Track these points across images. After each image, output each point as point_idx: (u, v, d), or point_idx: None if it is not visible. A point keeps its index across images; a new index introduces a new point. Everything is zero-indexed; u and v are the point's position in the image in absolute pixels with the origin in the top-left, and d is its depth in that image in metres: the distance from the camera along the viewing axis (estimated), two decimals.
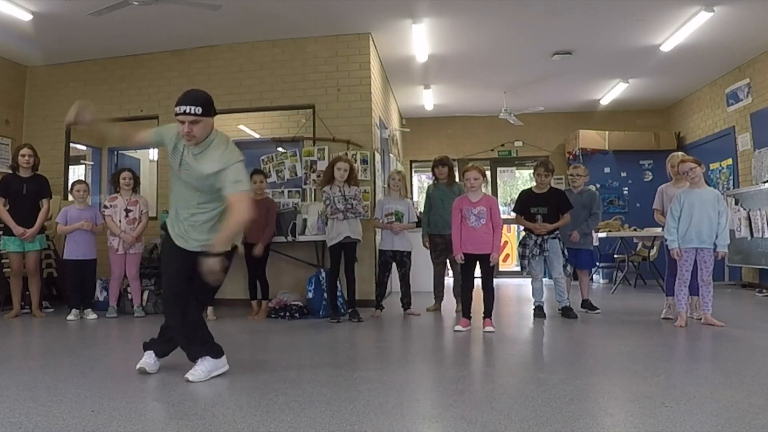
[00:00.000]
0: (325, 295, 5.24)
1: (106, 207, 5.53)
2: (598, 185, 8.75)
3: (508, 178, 10.69)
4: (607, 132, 9.31)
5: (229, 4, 5.29)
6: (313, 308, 5.35)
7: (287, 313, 5.31)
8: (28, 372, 3.14)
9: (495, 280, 4.65)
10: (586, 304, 5.35)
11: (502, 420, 2.21)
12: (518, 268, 5.83)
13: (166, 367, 3.06)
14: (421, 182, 10.84)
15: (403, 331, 4.74)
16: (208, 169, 2.81)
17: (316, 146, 6.32)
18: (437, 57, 7.13)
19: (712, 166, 8.25)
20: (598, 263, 7.90)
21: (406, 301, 5.48)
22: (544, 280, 5.26)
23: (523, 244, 5.15)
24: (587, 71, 7.83)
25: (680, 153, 5.23)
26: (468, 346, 3.98)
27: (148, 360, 3.03)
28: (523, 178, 11.07)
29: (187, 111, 2.73)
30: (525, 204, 5.15)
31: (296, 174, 6.40)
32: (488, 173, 8.55)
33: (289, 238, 5.65)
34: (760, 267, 6.96)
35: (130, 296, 5.62)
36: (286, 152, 6.50)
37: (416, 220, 5.77)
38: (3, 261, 5.62)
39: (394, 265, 5.53)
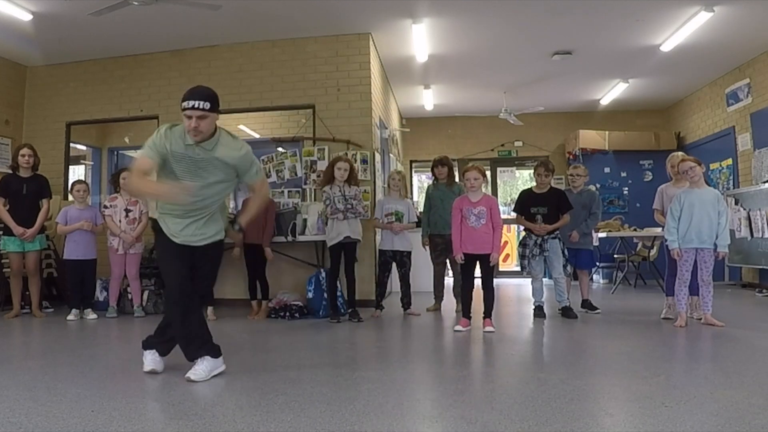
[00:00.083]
0: (325, 295, 5.24)
1: (106, 207, 5.53)
2: (598, 185, 8.75)
3: (508, 178, 10.69)
4: (607, 132, 9.31)
5: (229, 4, 5.29)
6: (313, 308, 5.35)
7: (287, 313, 5.31)
8: (28, 372, 3.14)
9: (495, 280, 4.66)
10: (586, 304, 5.35)
11: (502, 420, 2.21)
12: (518, 268, 5.83)
13: (165, 367, 3.06)
14: (421, 182, 10.84)
15: (403, 331, 4.74)
16: (231, 157, 2.94)
17: (316, 146, 6.32)
18: (437, 57, 7.13)
19: (712, 166, 8.25)
20: (598, 263, 7.90)
21: (406, 301, 5.48)
22: (544, 280, 5.26)
23: (523, 244, 5.15)
24: (587, 71, 7.83)
25: (680, 153, 5.23)
26: (468, 346, 3.98)
27: (155, 358, 3.04)
28: (523, 178, 11.07)
29: (195, 106, 2.77)
30: (525, 204, 5.14)
31: (296, 174, 6.40)
32: (488, 173, 8.55)
33: (289, 238, 5.65)
34: (760, 267, 6.96)
35: (130, 296, 5.62)
36: (286, 152, 6.50)
37: (416, 220, 5.77)
38: (3, 261, 5.62)
39: (394, 265, 5.53)
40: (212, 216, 3.06)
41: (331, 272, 5.15)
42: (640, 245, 7.99)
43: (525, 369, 3.26)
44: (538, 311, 5.07)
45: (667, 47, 6.64)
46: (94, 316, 5.38)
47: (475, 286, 4.66)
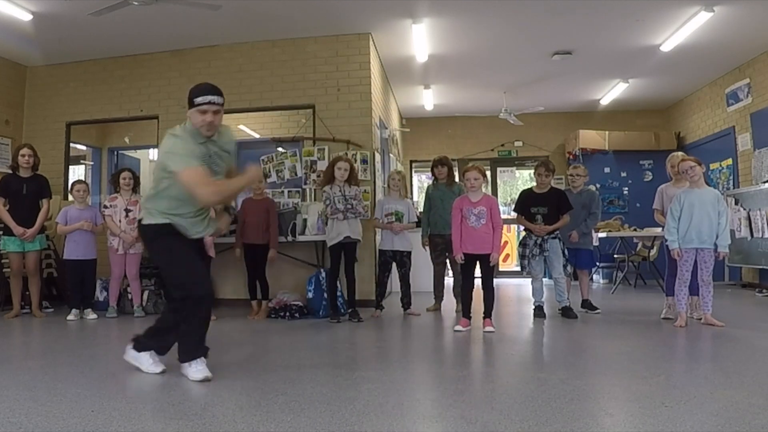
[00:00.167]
0: (325, 295, 5.24)
1: (106, 207, 5.54)
2: (598, 185, 8.75)
3: (508, 178, 10.70)
4: (607, 132, 9.31)
5: (229, 4, 5.29)
6: (313, 308, 5.35)
7: (287, 313, 5.31)
8: (28, 372, 3.14)
9: (495, 280, 4.65)
10: (586, 304, 5.35)
11: (502, 420, 2.21)
12: (518, 268, 5.83)
13: (165, 367, 3.05)
14: (421, 182, 10.84)
15: (403, 331, 4.74)
16: (231, 143, 3.13)
17: (316, 146, 6.32)
18: (437, 57, 7.13)
19: (712, 166, 8.25)
20: (598, 263, 7.90)
21: (406, 301, 5.48)
22: (544, 280, 5.26)
23: (523, 244, 5.15)
24: (587, 71, 7.83)
25: (680, 153, 5.23)
26: (468, 346, 3.98)
27: (155, 359, 3.04)
28: (523, 178, 11.07)
29: (213, 101, 2.87)
30: (525, 204, 5.14)
31: (296, 174, 6.40)
32: (488, 173, 8.55)
33: (289, 238, 5.65)
34: (760, 267, 6.96)
35: (130, 296, 5.62)
36: (286, 152, 6.50)
37: (416, 220, 5.77)
38: (3, 261, 5.62)
39: (394, 265, 5.53)
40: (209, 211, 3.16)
41: (331, 272, 5.15)
42: (640, 245, 7.99)
43: (525, 369, 3.26)
44: (538, 311, 5.07)
45: (667, 47, 6.64)
46: (94, 316, 5.38)
47: (475, 286, 4.66)
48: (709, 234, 4.39)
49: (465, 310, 4.57)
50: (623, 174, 9.38)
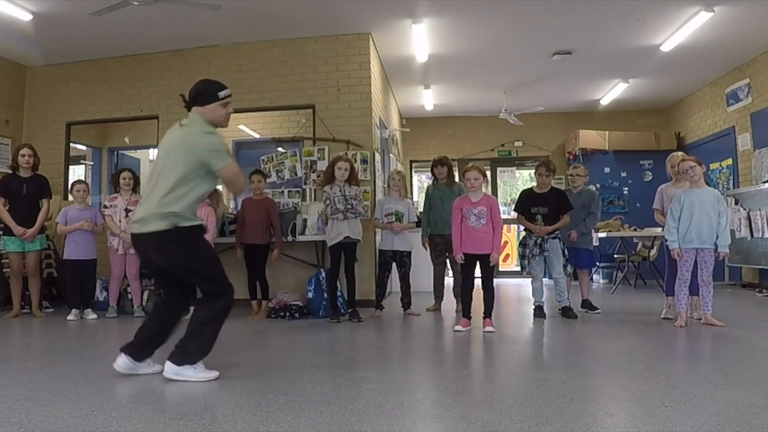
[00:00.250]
0: (325, 295, 5.24)
1: (106, 207, 5.54)
2: (598, 185, 8.75)
3: (508, 178, 10.70)
4: (607, 132, 9.31)
5: (229, 4, 5.29)
6: (313, 308, 5.35)
7: (287, 313, 5.31)
8: (28, 372, 3.14)
9: (495, 280, 4.65)
10: (586, 304, 5.35)
11: (502, 420, 2.21)
12: (518, 268, 5.83)
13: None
14: (421, 182, 10.84)
15: (403, 331, 4.74)
16: None
17: (316, 146, 6.32)
18: (437, 57, 7.13)
19: (712, 166, 8.25)
20: (598, 263, 7.90)
21: (406, 301, 5.48)
22: (544, 280, 5.26)
23: (523, 244, 5.15)
24: (587, 71, 7.84)
25: (680, 153, 5.23)
26: (468, 346, 3.98)
27: (156, 367, 2.99)
28: (523, 178, 11.08)
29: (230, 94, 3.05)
30: (525, 203, 5.14)
31: (296, 174, 6.40)
32: (488, 173, 8.55)
33: (289, 238, 5.65)
34: (760, 267, 6.96)
35: (130, 296, 5.62)
36: (286, 152, 6.50)
37: (416, 220, 5.77)
38: (3, 261, 5.63)
39: (394, 265, 5.53)
40: None
41: (331, 272, 5.15)
42: (640, 245, 7.99)
43: (525, 369, 3.26)
44: (538, 311, 5.07)
45: (667, 47, 6.64)
46: (94, 316, 5.38)
47: (475, 286, 4.66)
48: (709, 234, 4.39)
49: (465, 310, 4.57)
50: (623, 174, 9.38)
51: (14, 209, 5.30)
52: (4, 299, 5.59)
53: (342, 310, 5.20)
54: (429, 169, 6.03)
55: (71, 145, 7.09)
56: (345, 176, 5.13)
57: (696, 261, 4.44)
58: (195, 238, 2.95)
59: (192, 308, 3.05)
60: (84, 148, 7.78)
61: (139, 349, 2.97)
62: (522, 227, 5.32)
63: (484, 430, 2.10)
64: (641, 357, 3.46)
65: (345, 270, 5.17)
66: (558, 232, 5.07)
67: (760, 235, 6.74)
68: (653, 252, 7.56)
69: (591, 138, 9.26)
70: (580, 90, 8.80)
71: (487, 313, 4.48)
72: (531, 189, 5.31)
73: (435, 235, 5.65)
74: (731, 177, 7.93)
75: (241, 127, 7.11)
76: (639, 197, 8.97)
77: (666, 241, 4.60)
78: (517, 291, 7.70)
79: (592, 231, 5.75)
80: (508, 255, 10.35)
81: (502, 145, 10.24)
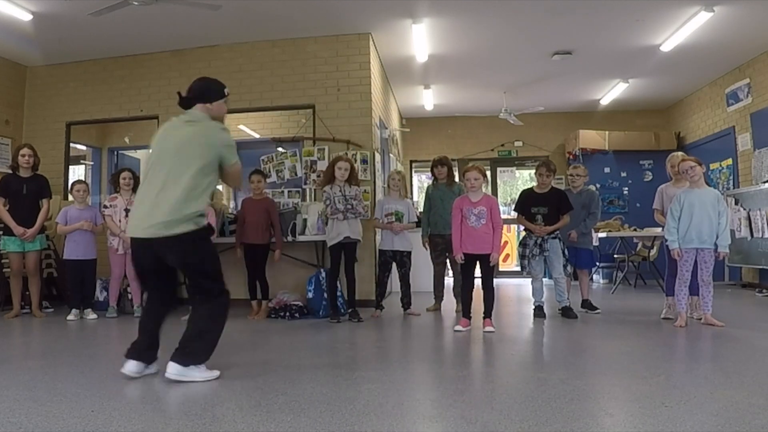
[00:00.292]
0: (325, 295, 5.24)
1: (106, 207, 5.54)
2: (598, 185, 8.76)
3: (508, 178, 10.69)
4: (607, 132, 9.31)
5: (229, 4, 5.29)
6: (313, 308, 5.35)
7: (287, 313, 5.31)
8: (28, 372, 3.14)
9: (495, 280, 4.65)
10: (586, 304, 5.35)
11: (502, 420, 2.21)
12: (518, 268, 5.83)
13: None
14: (421, 182, 10.84)
15: (403, 331, 4.74)
16: None
17: (316, 146, 6.32)
18: (437, 57, 7.13)
19: (712, 166, 8.25)
20: (598, 263, 7.90)
21: (406, 301, 5.48)
22: (544, 280, 5.26)
23: (523, 244, 5.15)
24: (587, 71, 7.83)
25: (680, 153, 5.23)
26: (468, 346, 3.98)
27: (154, 368, 3.01)
28: (523, 178, 11.07)
29: None
30: (526, 203, 5.14)
31: (296, 174, 6.40)
32: (488, 173, 8.55)
33: (289, 238, 5.65)
34: (760, 267, 6.96)
35: (130, 296, 5.62)
36: (286, 152, 6.50)
37: (416, 220, 5.77)
38: (3, 261, 5.63)
39: (394, 265, 5.53)
40: None
41: (331, 272, 5.15)
42: (640, 245, 7.99)
43: (525, 369, 3.26)
44: (538, 311, 5.07)
45: (667, 47, 6.64)
46: (94, 316, 5.38)
47: (475, 286, 4.66)
48: (709, 234, 4.39)
49: (465, 310, 4.57)
50: (623, 174, 9.38)
51: (14, 209, 5.30)
52: (4, 299, 5.59)
53: (342, 310, 5.20)
54: (429, 169, 6.02)
55: (71, 145, 7.09)
56: (345, 176, 5.13)
57: (696, 261, 4.44)
58: (208, 237, 3.03)
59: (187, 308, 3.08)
60: (84, 148, 7.78)
61: (149, 353, 3.00)
62: (522, 227, 5.32)
63: (484, 430, 2.10)
64: (641, 357, 3.46)
65: (345, 270, 5.17)
66: (558, 232, 5.07)
67: (760, 235, 6.74)
68: (653, 252, 7.56)
69: (591, 138, 9.26)
70: (580, 90, 8.80)
71: (487, 313, 4.48)
72: (531, 189, 5.31)
73: (435, 235, 5.65)
74: (731, 177, 7.93)
75: (241, 127, 7.11)
76: (639, 197, 8.97)
77: (666, 241, 4.60)
78: (517, 291, 7.70)
79: (592, 231, 5.75)
80: (508, 255, 10.35)
81: (502, 145, 10.24)
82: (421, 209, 6.13)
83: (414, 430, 2.21)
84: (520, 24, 6.21)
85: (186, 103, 3.05)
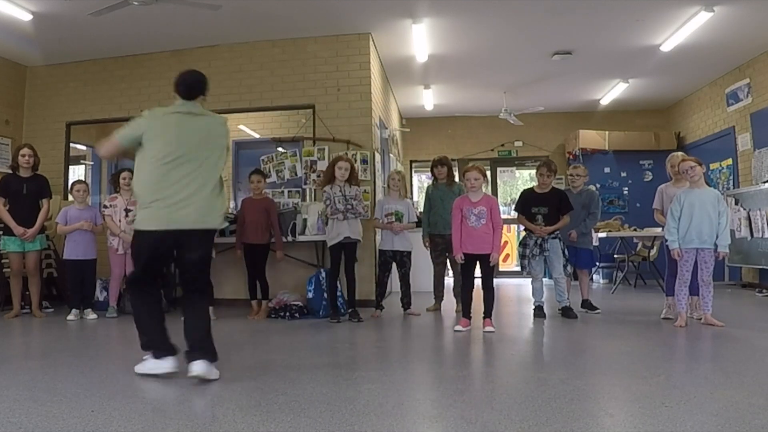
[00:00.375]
0: (325, 295, 5.24)
1: (106, 207, 5.53)
2: (598, 185, 8.75)
3: (508, 178, 10.69)
4: (607, 132, 9.31)
5: (229, 4, 5.29)
6: (313, 308, 5.35)
7: (287, 313, 5.31)
8: (28, 372, 3.14)
9: (495, 280, 4.65)
10: (586, 304, 5.35)
11: (502, 420, 2.21)
12: (518, 268, 5.83)
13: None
14: (421, 182, 10.84)
15: (403, 331, 4.74)
16: None
17: (316, 146, 6.32)
18: (437, 57, 7.13)
19: (712, 166, 8.25)
20: (598, 263, 7.90)
21: (406, 301, 5.48)
22: (544, 280, 5.26)
23: (523, 244, 5.15)
24: (587, 71, 7.83)
25: (680, 153, 5.23)
26: (468, 346, 3.98)
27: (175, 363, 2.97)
28: (523, 178, 11.07)
29: None
30: (526, 203, 5.14)
31: (296, 174, 6.40)
32: (488, 173, 8.55)
33: (289, 238, 5.65)
34: (760, 267, 6.96)
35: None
36: (286, 152, 6.50)
37: (416, 220, 5.77)
38: (3, 261, 5.62)
39: (394, 265, 5.53)
40: None
41: (331, 272, 5.15)
42: (640, 245, 7.99)
43: (525, 369, 3.26)
44: (538, 311, 5.07)
45: (667, 47, 6.64)
46: (94, 316, 5.38)
47: (475, 286, 4.66)
48: (709, 234, 4.39)
49: (465, 310, 4.58)
50: (623, 174, 9.38)
51: (14, 209, 5.30)
52: (4, 299, 5.58)
53: (342, 310, 5.20)
54: (429, 169, 6.02)
55: (71, 145, 7.09)
56: (345, 176, 5.13)
57: (696, 261, 4.44)
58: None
59: (210, 307, 3.25)
60: (84, 148, 7.77)
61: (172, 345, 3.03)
62: (522, 227, 5.32)
63: (484, 430, 2.10)
64: (641, 357, 3.46)
65: (345, 270, 5.17)
66: (558, 232, 5.07)
67: (760, 235, 6.74)
68: (653, 252, 7.56)
69: (591, 138, 9.26)
70: (580, 90, 8.80)
71: (487, 313, 4.48)
72: (531, 189, 5.31)
73: (435, 235, 5.65)
74: (731, 177, 7.93)
75: (241, 127, 7.11)
76: (639, 197, 8.97)
77: (666, 241, 4.60)
78: (517, 291, 7.70)
79: (592, 231, 5.75)
80: (508, 255, 10.35)
81: (502, 145, 10.24)
82: (421, 209, 6.13)
83: (414, 430, 2.22)
84: (520, 24, 6.21)
85: (190, 94, 3.07)
